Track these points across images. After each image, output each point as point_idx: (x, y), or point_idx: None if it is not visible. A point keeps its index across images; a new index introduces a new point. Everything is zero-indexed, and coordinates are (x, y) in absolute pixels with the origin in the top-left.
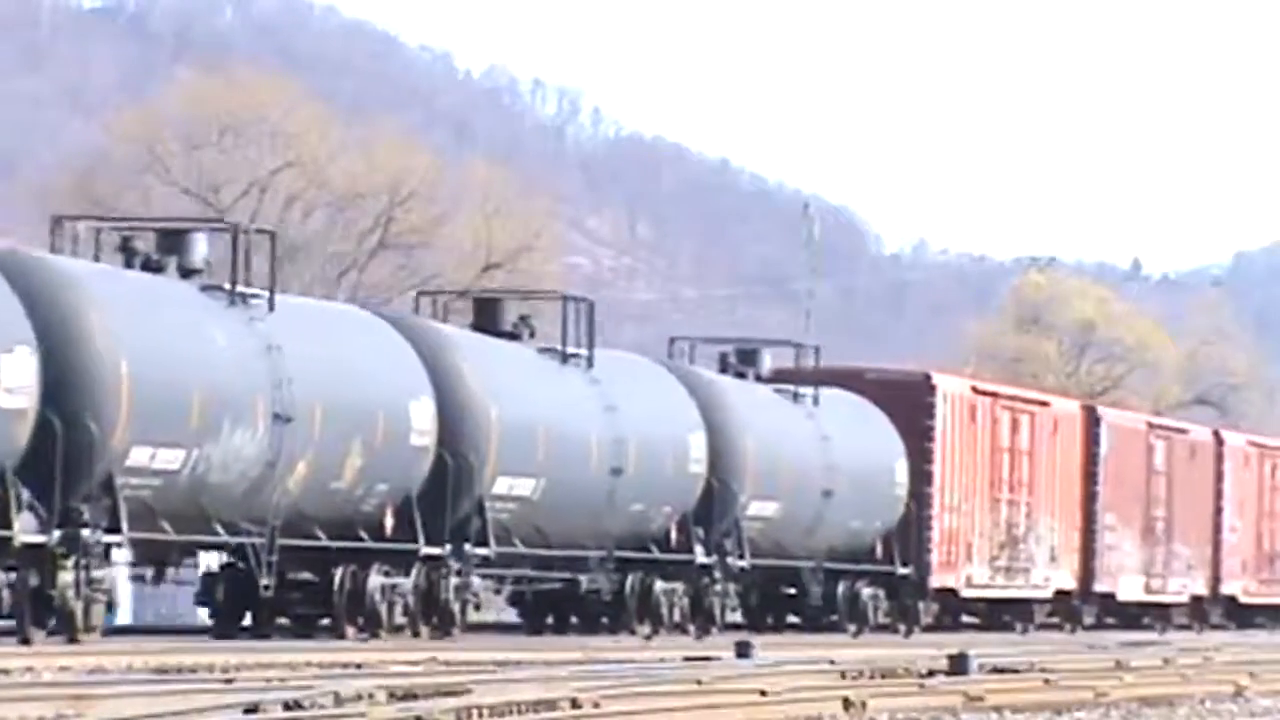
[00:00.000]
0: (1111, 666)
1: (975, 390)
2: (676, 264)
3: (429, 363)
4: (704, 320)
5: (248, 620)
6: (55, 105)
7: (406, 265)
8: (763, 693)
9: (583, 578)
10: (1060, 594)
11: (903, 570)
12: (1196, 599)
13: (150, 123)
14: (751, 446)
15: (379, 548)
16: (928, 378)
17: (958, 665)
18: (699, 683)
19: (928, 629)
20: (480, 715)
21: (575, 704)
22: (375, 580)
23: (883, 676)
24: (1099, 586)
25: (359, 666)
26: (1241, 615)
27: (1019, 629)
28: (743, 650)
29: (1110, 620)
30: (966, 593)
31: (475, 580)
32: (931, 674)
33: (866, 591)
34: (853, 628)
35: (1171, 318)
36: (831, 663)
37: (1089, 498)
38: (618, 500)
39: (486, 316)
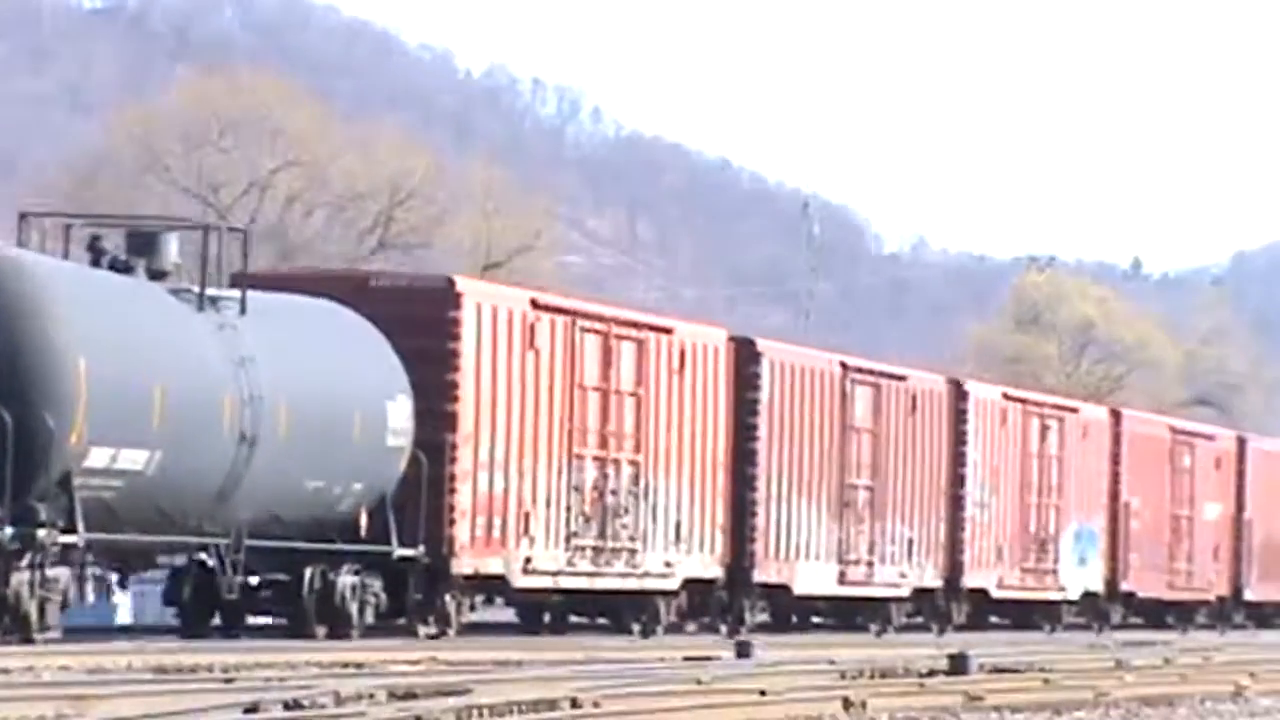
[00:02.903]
0: (1111, 666)
1: (537, 306)
2: (676, 264)
3: None
4: (704, 320)
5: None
6: (55, 105)
7: (406, 265)
8: (763, 693)
9: None
10: (697, 584)
11: (405, 551)
12: (925, 592)
13: (150, 123)
14: (86, 366)
15: None
16: (451, 284)
17: (958, 665)
18: (699, 682)
19: (475, 629)
20: (480, 715)
21: (575, 704)
22: None
23: (883, 676)
24: (762, 575)
25: (359, 666)
26: (1000, 612)
27: (636, 630)
28: (743, 650)
29: (814, 619)
30: (524, 581)
31: None
32: (931, 674)
33: (347, 580)
34: (323, 630)
35: (1171, 318)
36: (831, 663)
37: (741, 458)
38: None
39: None
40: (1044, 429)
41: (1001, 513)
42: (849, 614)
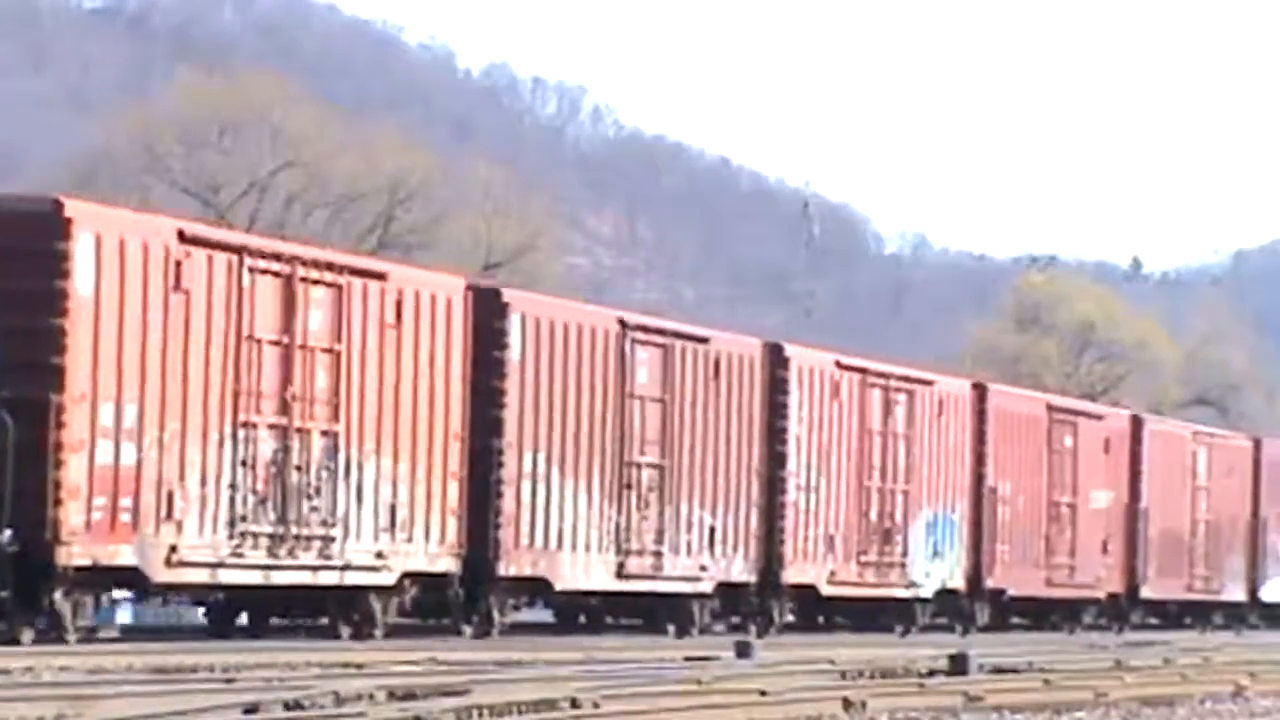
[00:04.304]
0: (1111, 666)
1: (186, 239)
2: (676, 264)
3: None
4: (704, 320)
5: None
6: (55, 105)
7: (407, 265)
8: (763, 693)
9: None
10: (419, 579)
11: None
12: (735, 588)
13: (150, 123)
14: None
15: None
16: (58, 207)
17: (958, 665)
18: (699, 683)
19: (132, 634)
20: (480, 715)
21: (575, 704)
22: None
23: (883, 676)
24: (511, 568)
25: (359, 667)
26: (844, 611)
27: (345, 632)
28: (743, 650)
29: (609, 620)
30: (167, 576)
31: None
32: (931, 674)
33: None
34: None
35: (1171, 318)
36: (831, 663)
37: (484, 429)
38: None
39: None
40: (889, 403)
41: (833, 498)
42: (646, 613)
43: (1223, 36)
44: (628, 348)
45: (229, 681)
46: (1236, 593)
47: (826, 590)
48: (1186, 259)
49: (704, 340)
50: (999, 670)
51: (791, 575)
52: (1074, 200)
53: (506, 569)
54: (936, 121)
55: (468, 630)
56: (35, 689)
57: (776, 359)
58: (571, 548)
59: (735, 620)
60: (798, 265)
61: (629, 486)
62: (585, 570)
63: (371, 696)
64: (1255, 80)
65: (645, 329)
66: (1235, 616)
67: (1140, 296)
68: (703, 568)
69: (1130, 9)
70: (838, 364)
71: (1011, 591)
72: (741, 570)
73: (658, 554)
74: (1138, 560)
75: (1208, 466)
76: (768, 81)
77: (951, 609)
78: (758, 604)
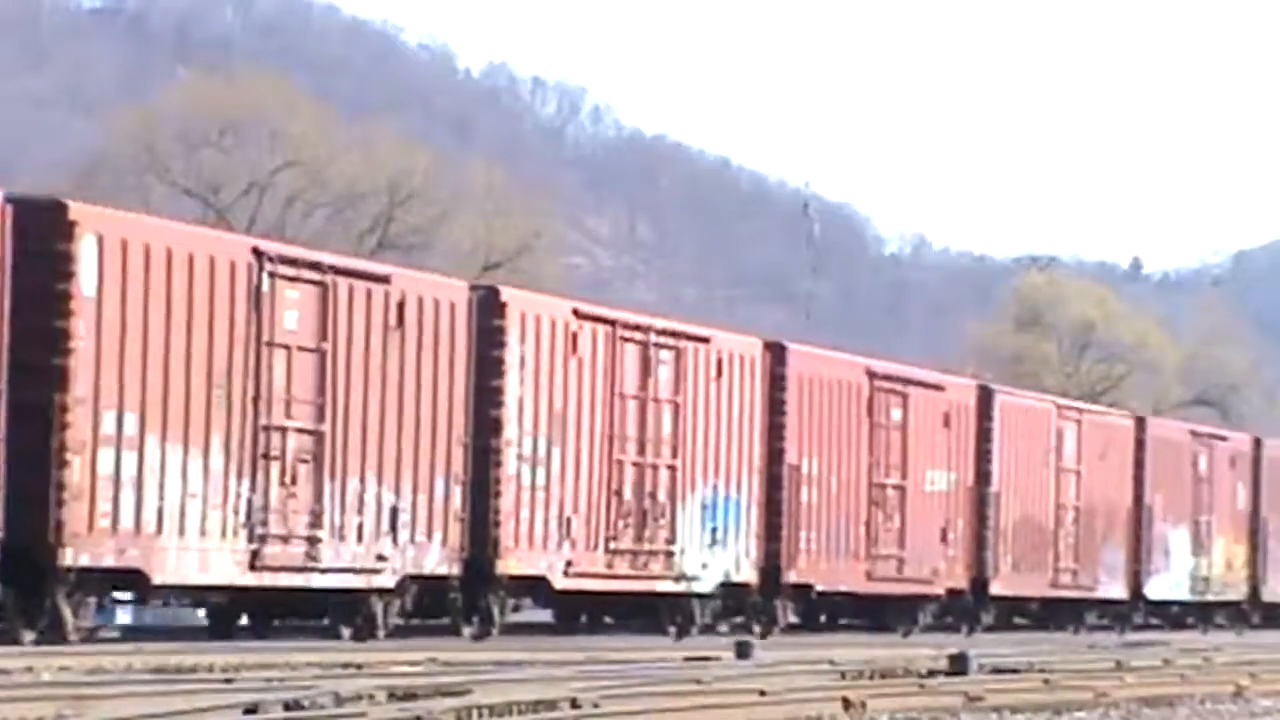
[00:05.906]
0: (1112, 666)
1: None
2: (676, 264)
3: None
4: (704, 320)
5: None
6: (55, 105)
7: (406, 265)
8: (763, 693)
9: None
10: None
11: None
12: (432, 581)
13: (150, 123)
14: None
15: None
16: None
17: (958, 665)
18: (699, 683)
19: None
20: (480, 715)
21: (575, 704)
22: None
23: (883, 676)
24: (82, 558)
25: (359, 667)
26: (585, 608)
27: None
28: (743, 650)
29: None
30: None
31: None
32: (931, 674)
33: None
34: None
35: (1171, 318)
36: (831, 663)
37: (44, 383)
38: None
39: None
40: (648, 361)
41: (571, 473)
42: (318, 612)
43: (1223, 36)
44: (266, 284)
45: (229, 681)
46: (1115, 589)
47: (562, 583)
48: (1186, 259)
49: (383, 279)
50: (999, 670)
51: (512, 566)
52: (1074, 200)
53: (76, 558)
54: (936, 121)
55: (29, 635)
56: (35, 689)
57: (489, 305)
58: (179, 532)
59: (446, 620)
60: (798, 265)
61: (268, 456)
62: (200, 561)
63: (371, 696)
64: (1255, 80)
65: (294, 262)
66: (1117, 615)
67: (1140, 296)
68: (381, 557)
69: (1130, 9)
70: (576, 313)
71: (821, 587)
72: (440, 560)
73: (312, 540)
74: (986, 551)
75: (1077, 446)
76: (768, 81)
77: (746, 606)
78: (463, 600)
